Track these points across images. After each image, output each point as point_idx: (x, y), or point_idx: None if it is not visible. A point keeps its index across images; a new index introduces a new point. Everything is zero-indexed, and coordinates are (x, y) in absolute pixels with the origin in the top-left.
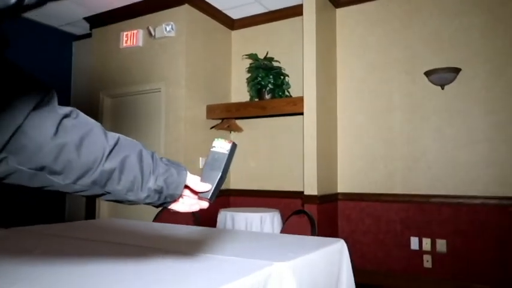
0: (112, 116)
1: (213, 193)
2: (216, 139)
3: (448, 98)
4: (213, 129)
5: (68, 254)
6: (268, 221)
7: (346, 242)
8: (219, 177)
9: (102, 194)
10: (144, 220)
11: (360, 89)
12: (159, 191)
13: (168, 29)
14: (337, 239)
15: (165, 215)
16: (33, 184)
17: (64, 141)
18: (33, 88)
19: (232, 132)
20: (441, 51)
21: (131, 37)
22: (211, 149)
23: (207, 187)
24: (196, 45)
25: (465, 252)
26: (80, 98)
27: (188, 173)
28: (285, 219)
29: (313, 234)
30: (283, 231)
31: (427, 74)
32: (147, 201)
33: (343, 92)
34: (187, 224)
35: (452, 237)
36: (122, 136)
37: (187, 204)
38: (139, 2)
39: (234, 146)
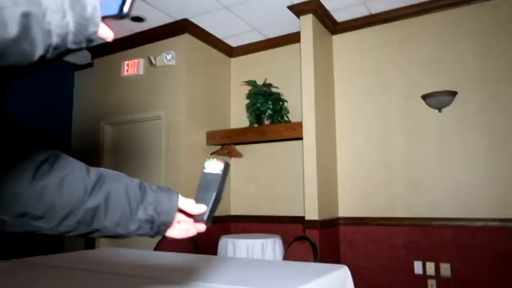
0: (113, 144)
1: (209, 215)
2: (207, 160)
3: (445, 121)
4: (213, 155)
5: (69, 286)
6: (269, 247)
7: (349, 267)
8: (213, 197)
9: (91, 232)
10: (144, 249)
11: (359, 114)
12: (151, 221)
13: (168, 57)
14: (341, 265)
15: (166, 243)
16: (19, 230)
17: (43, 185)
18: (32, 151)
19: (232, 157)
20: (437, 75)
21: (132, 66)
22: (204, 171)
23: (202, 209)
24: (196, 73)
25: (470, 276)
26: (81, 127)
27: (180, 197)
28: (286, 245)
29: (315, 260)
30: (285, 258)
31: (424, 97)
32: (140, 232)
33: (341, 117)
34: (188, 252)
35: (456, 261)
36: (105, 170)
37: (183, 229)
38: (141, 32)
39: (227, 166)
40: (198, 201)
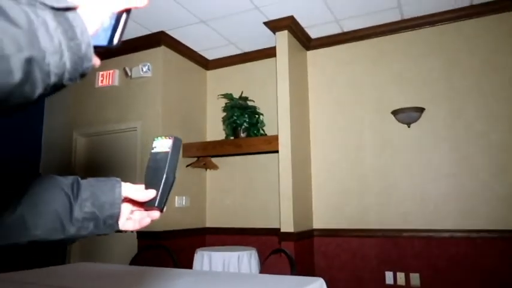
0: (85, 155)
1: (160, 199)
2: (155, 138)
3: (414, 136)
4: (188, 167)
5: None
6: (245, 259)
7: (324, 278)
8: (163, 179)
9: (25, 245)
10: (119, 262)
11: (332, 127)
12: (92, 218)
13: (144, 69)
14: (317, 278)
15: (142, 257)
16: None
17: None
18: None
19: (208, 169)
20: (406, 92)
21: (107, 77)
22: (152, 151)
23: (152, 193)
24: (172, 85)
25: (438, 285)
26: (52, 137)
27: (124, 184)
28: (262, 257)
29: (292, 273)
30: (262, 270)
31: (394, 113)
32: (83, 233)
33: (316, 130)
34: (164, 265)
35: (425, 271)
36: (31, 177)
37: (136, 219)
38: None
39: (177, 141)
40: (147, 186)
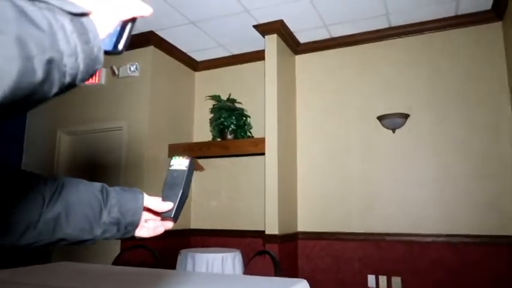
0: (69, 154)
1: (176, 211)
2: (173, 157)
3: (399, 141)
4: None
5: None
6: (229, 261)
7: (308, 281)
8: (180, 193)
9: (56, 242)
10: (102, 262)
11: (319, 131)
12: (116, 223)
13: (132, 68)
14: (301, 279)
15: (124, 257)
16: None
17: None
18: None
19: (194, 171)
20: (392, 98)
21: (94, 75)
22: (170, 168)
23: (169, 206)
24: (160, 85)
25: None
26: (35, 135)
27: (146, 196)
28: (246, 260)
29: (276, 274)
30: (246, 272)
31: (380, 118)
32: (106, 235)
33: (302, 134)
34: (147, 265)
35: (406, 274)
36: (65, 178)
37: (151, 228)
38: None
39: (192, 162)
40: (164, 198)
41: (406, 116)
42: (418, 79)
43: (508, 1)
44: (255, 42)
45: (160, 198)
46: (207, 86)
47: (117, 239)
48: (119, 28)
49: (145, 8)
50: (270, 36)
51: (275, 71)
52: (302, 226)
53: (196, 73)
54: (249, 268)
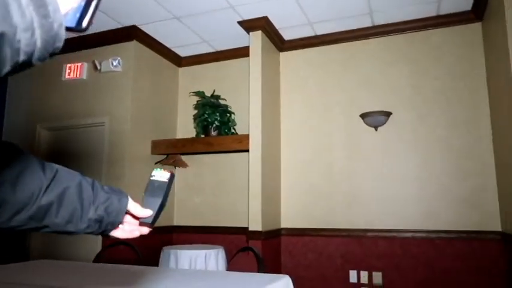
0: (49, 150)
1: (154, 219)
2: (155, 169)
3: (381, 139)
4: (157, 164)
5: None
6: (213, 258)
7: (291, 277)
8: (159, 204)
9: (40, 228)
10: (83, 259)
11: (303, 128)
12: (100, 220)
13: (114, 63)
14: (283, 275)
15: (106, 254)
16: None
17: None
18: None
19: (177, 167)
20: (375, 96)
21: (75, 69)
22: (151, 178)
23: (149, 213)
24: (143, 81)
25: (399, 283)
26: (14, 130)
27: (130, 200)
28: (229, 256)
29: (259, 270)
30: (229, 268)
31: (363, 116)
32: (88, 230)
33: (286, 130)
34: (129, 263)
35: (387, 270)
36: (60, 167)
37: (127, 230)
38: (86, 35)
39: (172, 176)
40: (144, 205)
41: (388, 114)
42: (400, 77)
43: (487, 2)
44: (239, 38)
45: (139, 205)
46: (191, 82)
47: (94, 234)
48: (83, 3)
49: None
50: (254, 32)
51: (259, 68)
52: (285, 222)
53: (180, 69)
54: (232, 264)
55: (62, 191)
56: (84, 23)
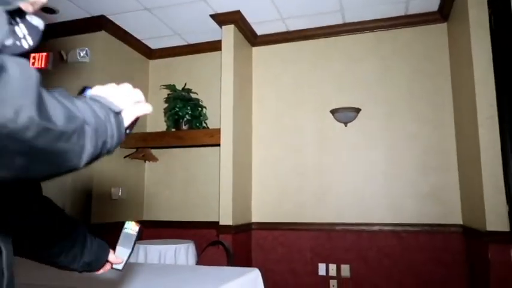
0: None
1: (123, 265)
2: (126, 222)
3: (350, 135)
4: (126, 158)
5: None
6: (182, 252)
7: (260, 270)
8: (129, 254)
9: (54, 264)
10: None
11: (274, 123)
12: (89, 263)
13: (82, 54)
14: (252, 268)
15: None
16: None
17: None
18: None
19: (146, 161)
20: (344, 92)
21: (39, 59)
22: (124, 230)
23: (120, 261)
24: (111, 72)
25: (366, 275)
26: None
27: (111, 250)
28: (200, 251)
29: (229, 264)
30: (199, 262)
31: (333, 112)
32: (79, 269)
33: (258, 126)
34: None
35: (355, 262)
36: (81, 225)
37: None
38: (51, 24)
39: (141, 229)
40: (117, 253)
41: (357, 110)
42: (369, 75)
43: (452, 4)
44: (211, 32)
45: (113, 252)
46: (162, 75)
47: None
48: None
49: (148, 108)
50: (227, 26)
51: (231, 62)
52: (256, 217)
53: (151, 61)
54: (202, 259)
55: (82, 244)
56: (128, 131)
